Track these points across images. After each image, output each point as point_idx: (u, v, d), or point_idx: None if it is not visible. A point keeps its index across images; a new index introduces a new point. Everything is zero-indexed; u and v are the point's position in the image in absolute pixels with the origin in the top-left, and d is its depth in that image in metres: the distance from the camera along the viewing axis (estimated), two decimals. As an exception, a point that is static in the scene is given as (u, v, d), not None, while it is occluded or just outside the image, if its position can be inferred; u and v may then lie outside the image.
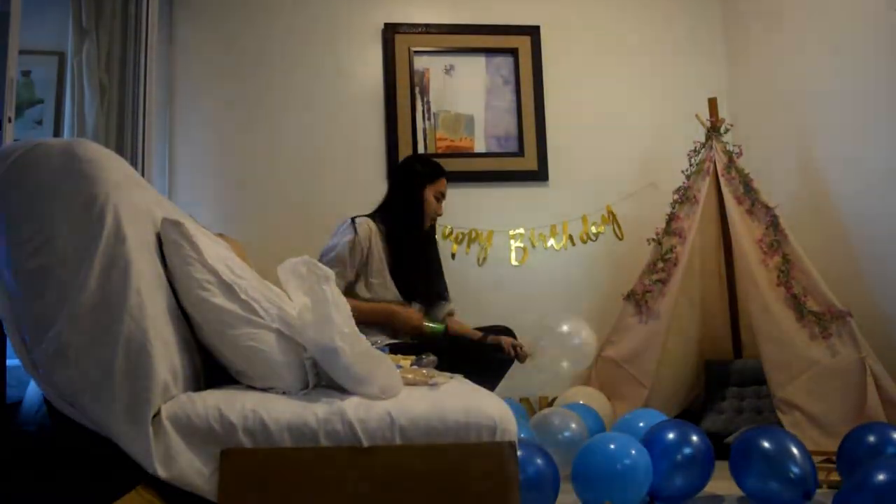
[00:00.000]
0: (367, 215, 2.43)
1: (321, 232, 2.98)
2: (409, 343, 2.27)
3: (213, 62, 3.12)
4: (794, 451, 1.72)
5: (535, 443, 1.86)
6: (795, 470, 1.69)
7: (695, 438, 1.83)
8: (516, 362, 2.36)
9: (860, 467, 1.47)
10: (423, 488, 1.19)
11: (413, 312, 2.33)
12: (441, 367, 1.74)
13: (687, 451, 1.81)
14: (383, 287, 2.35)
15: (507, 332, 2.41)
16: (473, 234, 3.15)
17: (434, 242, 2.58)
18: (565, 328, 2.36)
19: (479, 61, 3.27)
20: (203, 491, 1.14)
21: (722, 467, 1.89)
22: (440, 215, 2.51)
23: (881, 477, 1.34)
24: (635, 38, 3.38)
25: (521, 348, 2.33)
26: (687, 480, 1.81)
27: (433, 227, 2.55)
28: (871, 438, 1.85)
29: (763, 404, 2.59)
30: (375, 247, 2.35)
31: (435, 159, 2.60)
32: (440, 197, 2.47)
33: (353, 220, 2.37)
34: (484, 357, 2.26)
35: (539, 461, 1.70)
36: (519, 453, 1.63)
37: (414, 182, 2.45)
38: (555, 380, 2.89)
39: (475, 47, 3.26)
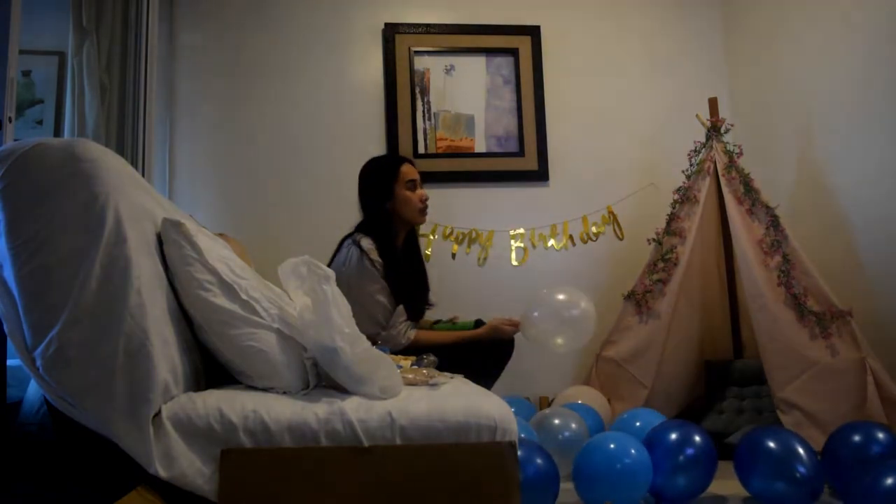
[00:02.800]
0: (355, 231, 2.32)
1: (321, 232, 2.98)
2: None
3: (213, 62, 3.12)
4: (800, 451, 1.72)
5: (534, 442, 1.86)
6: (802, 470, 1.69)
7: (698, 439, 1.83)
8: (514, 358, 2.34)
9: (867, 471, 1.47)
10: (423, 488, 1.19)
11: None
12: (441, 367, 1.75)
13: (690, 451, 1.81)
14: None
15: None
16: (473, 234, 3.15)
17: (418, 247, 2.48)
18: (561, 297, 2.17)
19: (480, 61, 3.27)
20: (203, 491, 1.14)
21: (723, 467, 1.89)
22: (426, 199, 2.35)
23: (889, 481, 1.34)
24: (635, 38, 3.38)
25: (510, 323, 2.25)
26: (690, 481, 1.81)
27: (414, 232, 2.46)
28: (857, 438, 1.86)
29: (763, 404, 2.59)
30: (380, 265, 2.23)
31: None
32: (413, 185, 2.32)
33: (360, 247, 2.20)
34: (483, 353, 2.25)
35: (539, 461, 1.70)
36: (519, 453, 1.64)
37: (380, 192, 2.31)
38: (555, 359, 2.88)
39: (475, 47, 3.26)
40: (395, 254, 2.30)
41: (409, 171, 2.34)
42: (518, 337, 2.33)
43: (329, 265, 2.31)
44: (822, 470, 1.75)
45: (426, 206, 2.35)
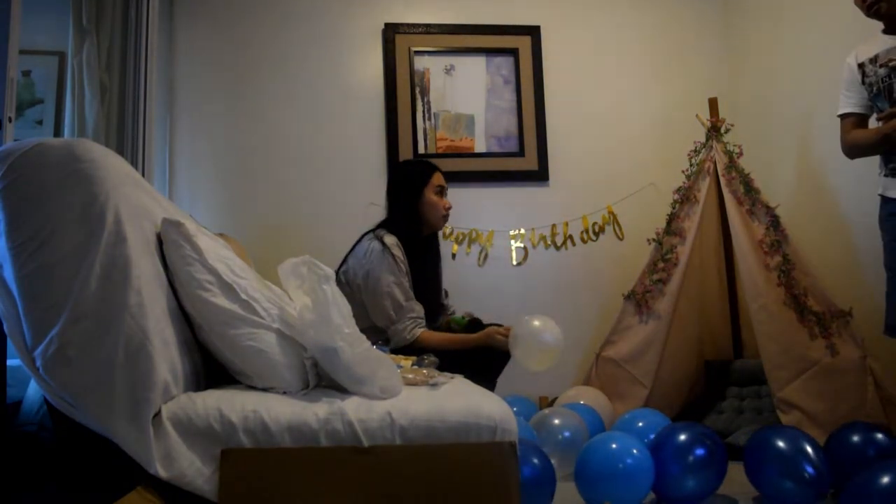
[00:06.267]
0: (377, 228, 2.35)
1: (321, 232, 2.99)
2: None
3: (213, 62, 3.12)
4: (809, 450, 1.73)
5: (532, 442, 1.86)
6: (810, 469, 1.69)
7: (708, 441, 1.82)
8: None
9: (861, 469, 1.47)
10: (423, 488, 1.19)
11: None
12: (442, 367, 1.75)
13: (701, 453, 1.79)
14: None
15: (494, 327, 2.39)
16: (474, 234, 3.15)
17: (437, 251, 2.51)
18: (536, 323, 2.20)
19: (480, 61, 3.27)
20: (203, 491, 1.14)
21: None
22: (449, 208, 2.41)
23: (885, 480, 1.34)
24: (635, 38, 3.38)
25: (508, 330, 2.22)
26: (700, 484, 1.79)
27: (436, 236, 2.49)
28: (857, 438, 1.86)
29: (763, 404, 2.59)
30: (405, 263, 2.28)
31: (433, 159, 2.58)
32: (441, 191, 2.40)
33: (382, 242, 2.25)
34: (483, 355, 2.25)
35: (536, 461, 1.70)
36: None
37: (411, 189, 2.37)
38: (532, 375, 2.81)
39: (475, 47, 3.26)
40: (413, 254, 2.33)
41: (439, 178, 2.42)
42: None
43: (345, 260, 2.34)
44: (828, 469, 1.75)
45: (448, 215, 2.42)
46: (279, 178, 3.08)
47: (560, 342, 2.16)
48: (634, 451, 1.76)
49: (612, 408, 2.69)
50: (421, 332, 2.22)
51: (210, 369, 1.39)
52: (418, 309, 2.25)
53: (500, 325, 2.41)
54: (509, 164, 3.21)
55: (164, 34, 3.01)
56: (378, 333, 2.25)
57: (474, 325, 2.41)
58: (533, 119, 3.23)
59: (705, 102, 2.95)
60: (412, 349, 2.13)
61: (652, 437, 1.97)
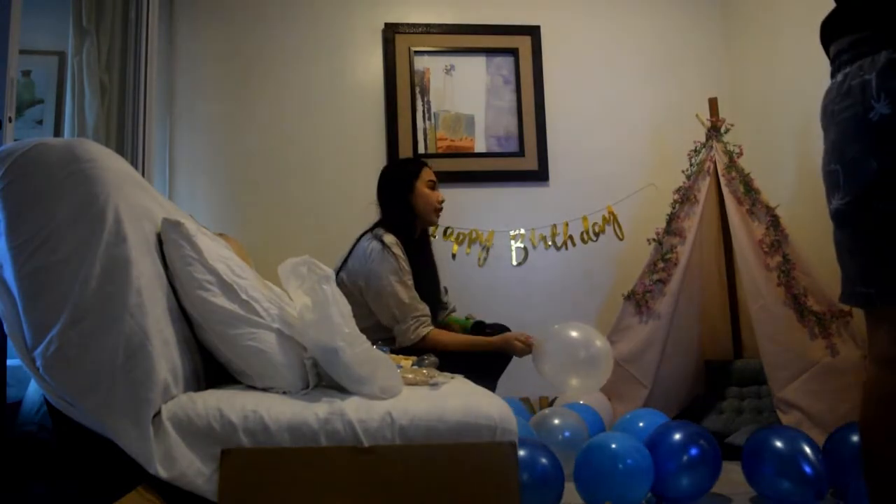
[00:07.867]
0: (375, 228, 2.35)
1: (322, 231, 2.99)
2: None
3: (213, 62, 3.12)
4: (807, 450, 1.73)
5: (539, 442, 1.86)
6: (808, 469, 1.69)
7: (702, 440, 1.82)
8: (514, 358, 2.35)
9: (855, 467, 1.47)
10: (423, 488, 1.19)
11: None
12: (442, 367, 1.75)
13: (695, 452, 1.80)
14: None
15: (504, 329, 2.40)
16: (474, 235, 3.15)
17: (429, 248, 2.52)
18: (574, 334, 2.13)
19: (480, 61, 3.27)
20: (203, 491, 1.14)
21: (723, 467, 1.89)
22: (442, 201, 2.41)
23: None
24: (635, 38, 3.38)
25: (528, 339, 2.25)
26: (694, 481, 1.80)
27: (427, 234, 2.50)
28: (857, 438, 1.86)
29: (763, 404, 2.59)
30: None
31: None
32: (432, 185, 2.39)
33: (382, 241, 2.25)
34: (484, 355, 2.26)
35: (544, 460, 1.70)
36: (523, 453, 1.65)
37: (401, 186, 2.37)
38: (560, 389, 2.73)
39: (475, 47, 3.26)
40: (410, 252, 2.33)
41: (429, 173, 2.42)
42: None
43: (345, 261, 2.33)
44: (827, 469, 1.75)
45: (441, 209, 2.42)
46: (279, 178, 3.08)
47: (609, 357, 2.10)
48: (635, 451, 1.76)
49: (612, 408, 2.69)
50: (426, 331, 2.21)
51: (210, 369, 1.39)
52: (422, 308, 2.24)
53: (504, 327, 2.42)
54: (509, 164, 3.20)
55: (164, 34, 3.01)
56: (379, 333, 2.25)
57: (478, 327, 2.41)
58: (533, 119, 3.22)
59: (705, 102, 2.95)
60: (423, 349, 2.12)
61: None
